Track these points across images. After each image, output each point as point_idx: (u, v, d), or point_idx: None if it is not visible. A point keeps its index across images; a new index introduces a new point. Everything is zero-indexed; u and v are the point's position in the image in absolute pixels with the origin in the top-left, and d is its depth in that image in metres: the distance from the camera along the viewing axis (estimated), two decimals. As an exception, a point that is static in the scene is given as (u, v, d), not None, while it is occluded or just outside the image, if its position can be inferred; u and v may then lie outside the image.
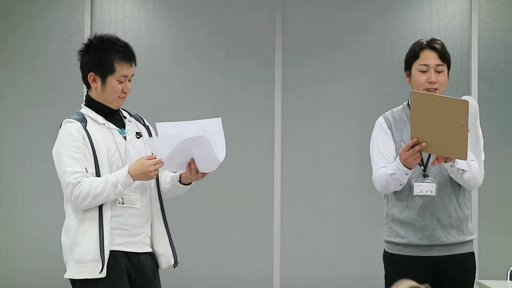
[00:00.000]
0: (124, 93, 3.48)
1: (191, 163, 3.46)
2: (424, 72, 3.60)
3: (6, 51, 6.51)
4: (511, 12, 6.37)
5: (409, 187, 3.57)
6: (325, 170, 6.36)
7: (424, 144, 3.35)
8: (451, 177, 3.56)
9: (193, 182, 3.59)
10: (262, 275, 6.35)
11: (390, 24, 6.41)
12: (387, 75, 6.36)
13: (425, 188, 3.54)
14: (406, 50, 3.72)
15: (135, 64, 3.51)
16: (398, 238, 3.61)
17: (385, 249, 3.70)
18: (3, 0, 6.52)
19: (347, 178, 6.33)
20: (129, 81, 3.50)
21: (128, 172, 3.36)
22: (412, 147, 3.37)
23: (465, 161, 3.43)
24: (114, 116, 3.53)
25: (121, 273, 3.38)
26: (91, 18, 6.46)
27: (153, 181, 3.55)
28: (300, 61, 6.42)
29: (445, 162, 3.43)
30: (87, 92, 3.53)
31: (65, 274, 3.41)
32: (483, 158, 3.61)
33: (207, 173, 3.51)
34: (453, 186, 3.60)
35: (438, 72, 3.60)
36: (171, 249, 3.55)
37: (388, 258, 3.68)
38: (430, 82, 3.59)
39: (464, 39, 6.34)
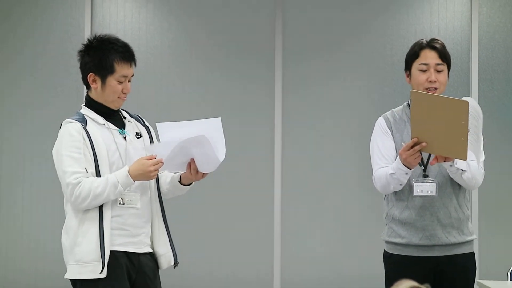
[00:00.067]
0: (124, 93, 3.48)
1: (191, 163, 3.46)
2: (424, 71, 3.61)
3: (6, 51, 6.51)
4: None
5: (409, 187, 3.57)
6: (325, 170, 6.36)
7: (424, 144, 3.35)
8: (451, 177, 3.56)
9: (193, 182, 3.59)
10: (262, 275, 6.35)
11: (390, 24, 6.40)
12: (387, 75, 6.36)
13: (425, 188, 3.54)
14: (406, 50, 3.72)
15: (135, 65, 3.51)
16: (398, 239, 3.61)
17: (385, 250, 3.70)
18: (3, 0, 6.52)
19: (347, 178, 6.33)
20: (129, 81, 3.50)
21: (128, 172, 3.36)
22: (412, 147, 3.37)
23: (464, 161, 3.44)
24: (114, 117, 3.53)
25: (121, 274, 3.38)
26: (91, 18, 6.46)
27: (153, 182, 3.55)
28: (300, 61, 6.42)
29: (444, 161, 3.44)
30: (87, 92, 3.53)
31: (66, 274, 3.41)
32: (483, 158, 3.61)
33: (207, 174, 3.51)
34: (453, 186, 3.60)
35: (438, 71, 3.61)
36: (171, 250, 3.55)
37: (388, 258, 3.68)
38: (430, 81, 3.59)
39: (464, 40, 6.34)
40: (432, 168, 3.56)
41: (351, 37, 6.42)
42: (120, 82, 3.45)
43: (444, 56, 3.63)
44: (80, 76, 3.51)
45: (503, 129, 6.26)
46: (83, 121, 3.43)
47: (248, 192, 6.38)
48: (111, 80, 3.44)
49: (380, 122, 3.70)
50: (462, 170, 3.49)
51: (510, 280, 4.62)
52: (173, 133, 3.39)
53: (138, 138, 3.55)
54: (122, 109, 3.59)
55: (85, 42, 3.51)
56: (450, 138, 3.29)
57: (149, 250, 3.52)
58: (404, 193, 3.60)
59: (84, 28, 6.43)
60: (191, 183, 3.59)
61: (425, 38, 3.68)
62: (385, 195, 3.69)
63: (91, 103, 3.50)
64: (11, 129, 6.46)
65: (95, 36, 3.50)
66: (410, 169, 3.46)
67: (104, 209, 3.37)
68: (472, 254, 3.67)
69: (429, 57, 3.61)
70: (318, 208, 6.35)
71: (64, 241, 3.42)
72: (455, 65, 6.09)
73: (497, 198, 6.26)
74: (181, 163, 3.47)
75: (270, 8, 6.47)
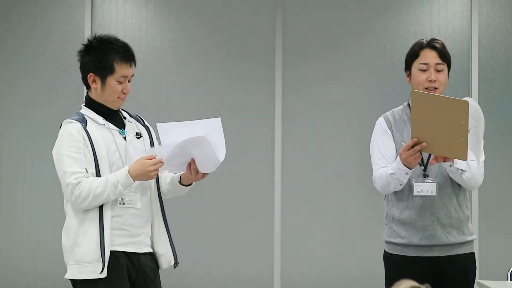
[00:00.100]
0: (124, 93, 3.48)
1: (191, 163, 3.46)
2: (424, 71, 3.61)
3: (6, 51, 6.51)
4: None
5: (409, 187, 3.57)
6: (325, 170, 6.36)
7: (424, 144, 3.35)
8: (451, 177, 3.56)
9: (193, 183, 3.59)
10: (263, 275, 6.35)
11: (390, 24, 6.40)
12: (387, 75, 6.36)
13: (425, 188, 3.54)
14: (406, 50, 3.73)
15: (135, 65, 3.50)
16: (398, 239, 3.61)
17: (385, 250, 3.70)
18: (3, 0, 6.52)
19: (347, 178, 6.33)
20: (129, 81, 3.50)
21: (128, 172, 3.36)
22: (412, 146, 3.37)
23: (464, 161, 3.43)
24: (114, 117, 3.53)
25: (121, 274, 3.38)
26: (91, 18, 6.46)
27: (153, 182, 3.55)
28: (300, 61, 6.42)
29: (444, 161, 3.44)
30: (87, 92, 3.53)
31: (66, 274, 3.41)
32: (483, 158, 3.61)
33: (207, 174, 3.51)
34: (453, 186, 3.60)
35: (438, 71, 3.61)
36: (171, 250, 3.55)
37: (388, 258, 3.68)
38: (430, 80, 3.59)
39: (464, 40, 6.33)
40: (432, 168, 3.56)
41: (351, 37, 6.42)
42: (120, 82, 3.45)
43: (444, 56, 3.63)
44: (80, 76, 3.51)
45: (503, 129, 6.26)
46: (83, 121, 3.43)
47: (248, 192, 6.38)
48: (111, 80, 3.44)
49: (380, 122, 3.70)
50: (462, 170, 3.49)
51: (510, 280, 4.62)
52: (174, 133, 3.39)
53: (138, 138, 3.55)
54: (122, 109, 3.59)
55: (85, 42, 3.51)
56: (450, 138, 3.29)
57: (149, 250, 3.52)
58: (404, 193, 3.60)
59: (84, 28, 6.43)
60: (191, 184, 3.60)
61: (425, 38, 3.68)
62: (385, 195, 3.69)
63: (91, 103, 3.50)
64: (11, 129, 6.47)
65: (95, 36, 3.50)
66: (410, 169, 3.46)
67: (104, 209, 3.37)
68: (472, 254, 3.67)
69: (429, 56, 3.61)
70: (318, 208, 6.35)
71: (64, 241, 3.42)
72: (455, 65, 6.09)
73: (497, 198, 6.26)
74: (181, 163, 3.47)
75: (270, 8, 6.47)
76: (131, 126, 3.57)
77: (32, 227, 6.40)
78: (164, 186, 3.61)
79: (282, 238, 6.35)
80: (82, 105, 3.53)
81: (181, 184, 3.57)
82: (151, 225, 3.53)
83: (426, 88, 3.58)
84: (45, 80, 6.47)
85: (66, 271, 3.41)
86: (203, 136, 3.33)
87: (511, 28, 6.35)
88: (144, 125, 3.63)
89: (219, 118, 3.44)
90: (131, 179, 3.37)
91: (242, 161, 6.32)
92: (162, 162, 3.39)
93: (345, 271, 6.30)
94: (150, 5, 6.50)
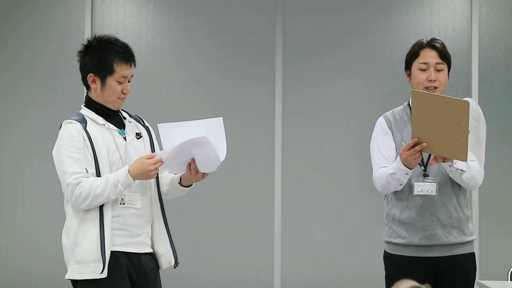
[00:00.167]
0: (124, 94, 3.48)
1: (191, 163, 3.46)
2: (424, 70, 3.61)
3: (6, 51, 6.52)
4: None
5: (409, 187, 3.57)
6: (325, 170, 6.36)
7: (424, 144, 3.35)
8: (451, 177, 3.56)
9: (193, 184, 3.59)
10: (263, 275, 6.35)
11: (391, 25, 6.40)
12: (387, 75, 6.36)
13: (426, 187, 3.54)
14: (406, 50, 3.73)
15: (135, 65, 3.51)
16: (398, 239, 3.61)
17: (386, 250, 3.70)
18: (3, 1, 6.52)
19: (347, 178, 6.33)
20: (129, 81, 3.50)
21: (128, 171, 3.37)
22: (412, 146, 3.37)
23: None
24: (114, 117, 3.53)
25: (122, 274, 3.38)
26: (92, 19, 6.46)
27: (153, 182, 3.55)
28: (300, 61, 6.42)
29: (444, 161, 3.44)
30: (86, 93, 3.53)
31: (66, 274, 3.41)
32: (483, 158, 3.61)
33: (207, 174, 3.51)
34: (453, 186, 3.59)
35: (438, 70, 3.61)
36: (171, 250, 3.55)
37: (389, 258, 3.68)
38: (430, 80, 3.59)
39: (464, 40, 6.33)
40: (432, 168, 3.56)
41: (351, 38, 6.42)
42: (120, 83, 3.45)
43: (444, 55, 3.63)
44: (80, 76, 3.51)
45: (503, 129, 6.26)
46: (83, 121, 3.43)
47: (248, 192, 6.38)
48: (111, 81, 3.44)
49: (381, 122, 3.70)
50: (462, 170, 3.48)
51: (510, 280, 4.62)
52: (175, 134, 3.39)
53: (138, 138, 3.55)
54: (122, 110, 3.59)
55: (85, 43, 3.51)
56: (451, 139, 3.29)
57: (150, 250, 3.52)
58: (404, 193, 3.60)
59: (84, 28, 6.43)
60: (191, 185, 3.60)
61: (425, 38, 3.68)
62: (385, 195, 3.69)
63: (90, 104, 3.50)
64: (11, 129, 6.47)
65: (94, 36, 3.50)
66: (411, 169, 3.46)
67: (104, 209, 3.37)
68: (473, 254, 3.67)
69: (429, 56, 3.61)
70: (318, 208, 6.35)
71: (64, 242, 3.42)
72: (455, 65, 6.09)
73: (497, 198, 6.26)
74: (181, 163, 3.47)
75: (270, 8, 6.47)
76: (131, 126, 3.57)
77: (32, 227, 6.40)
78: (164, 187, 3.61)
79: (282, 238, 6.35)
80: (82, 106, 3.53)
81: (181, 185, 3.57)
82: (151, 225, 3.53)
83: (426, 88, 3.58)
84: (45, 80, 6.47)
85: (66, 271, 3.41)
86: (203, 137, 3.33)
87: (511, 28, 6.35)
88: (144, 125, 3.64)
89: (221, 117, 3.44)
90: (131, 179, 3.37)
91: (242, 161, 6.32)
92: (162, 161, 3.39)
93: (345, 271, 6.30)
94: (150, 5, 6.50)
